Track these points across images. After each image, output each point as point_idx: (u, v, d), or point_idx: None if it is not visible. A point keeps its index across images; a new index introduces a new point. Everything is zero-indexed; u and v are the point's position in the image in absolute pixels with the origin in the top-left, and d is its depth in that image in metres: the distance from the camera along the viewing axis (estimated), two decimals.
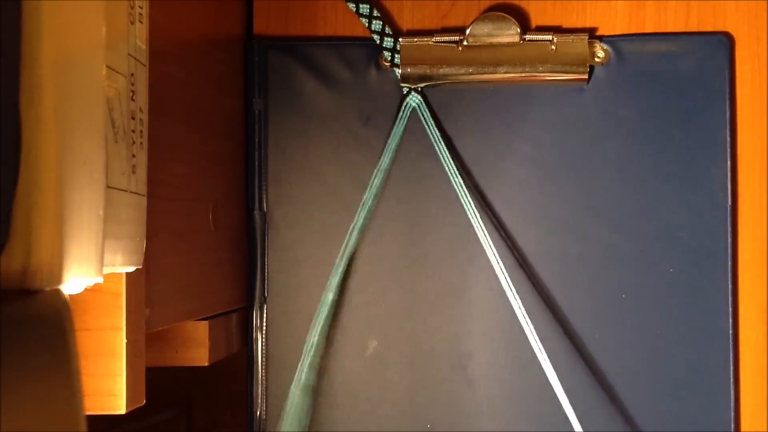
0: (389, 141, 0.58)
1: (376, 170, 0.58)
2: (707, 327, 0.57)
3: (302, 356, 0.57)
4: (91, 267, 0.32)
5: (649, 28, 0.59)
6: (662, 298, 0.57)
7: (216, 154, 0.55)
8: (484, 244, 0.58)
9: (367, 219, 0.58)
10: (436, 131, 0.58)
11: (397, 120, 0.58)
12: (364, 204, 0.58)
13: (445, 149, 0.57)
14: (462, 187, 0.57)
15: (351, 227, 0.58)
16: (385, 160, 0.58)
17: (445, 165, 0.57)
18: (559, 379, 0.58)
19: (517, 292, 0.58)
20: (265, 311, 0.59)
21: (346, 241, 0.58)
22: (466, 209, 0.57)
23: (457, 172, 0.57)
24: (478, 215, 0.57)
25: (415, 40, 0.58)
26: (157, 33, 0.40)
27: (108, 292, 0.38)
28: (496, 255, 0.58)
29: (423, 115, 0.58)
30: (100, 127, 0.33)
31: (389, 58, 0.58)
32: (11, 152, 0.28)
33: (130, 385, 0.39)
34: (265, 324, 0.59)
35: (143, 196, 0.38)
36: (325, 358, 0.59)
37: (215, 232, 0.54)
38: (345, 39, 0.60)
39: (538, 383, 0.58)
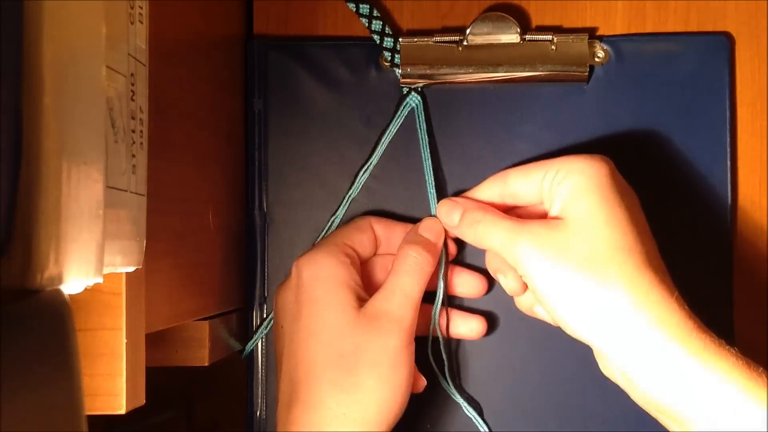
0: (383, 138, 0.58)
1: (365, 166, 0.58)
2: (707, 327, 0.57)
3: None
4: (91, 267, 0.32)
5: (649, 28, 0.59)
6: None
7: (216, 154, 0.55)
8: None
9: (348, 210, 0.58)
10: (425, 135, 0.58)
11: (394, 119, 0.58)
12: (348, 197, 0.58)
13: (429, 155, 0.58)
14: (434, 197, 0.57)
15: (331, 219, 0.58)
16: (375, 157, 0.58)
17: (425, 171, 0.58)
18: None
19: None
20: (265, 311, 0.59)
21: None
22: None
23: (432, 181, 0.57)
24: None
25: (415, 40, 0.58)
26: (157, 33, 0.40)
27: (108, 292, 0.38)
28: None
29: (418, 117, 0.58)
30: (100, 127, 0.33)
31: (389, 58, 0.58)
32: (12, 152, 0.28)
33: (130, 385, 0.39)
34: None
35: (143, 196, 0.38)
36: None
37: (215, 232, 0.54)
38: (345, 39, 0.60)
39: (537, 383, 0.58)
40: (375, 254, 0.56)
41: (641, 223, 0.49)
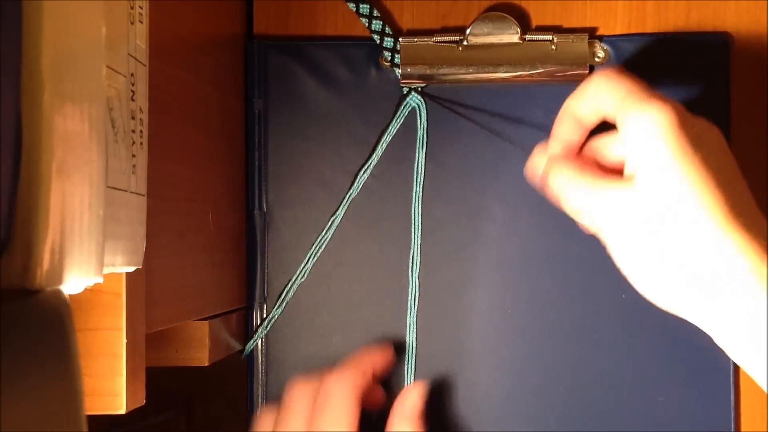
0: (383, 138, 0.58)
1: (365, 166, 0.58)
2: None
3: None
4: (91, 267, 0.32)
5: (649, 28, 0.59)
6: None
7: (216, 154, 0.55)
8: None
9: (348, 210, 0.58)
10: (425, 134, 0.58)
11: (394, 119, 0.58)
12: (348, 197, 0.58)
13: (423, 155, 0.58)
14: (418, 198, 0.57)
15: (331, 219, 0.58)
16: (375, 157, 0.58)
17: (414, 170, 0.58)
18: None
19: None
20: (264, 311, 0.59)
21: (325, 233, 0.58)
22: (412, 222, 0.57)
23: (422, 180, 0.57)
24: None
25: (415, 40, 0.58)
26: (157, 33, 0.40)
27: (108, 292, 0.38)
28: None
29: (419, 117, 0.58)
30: (100, 127, 0.33)
31: (389, 58, 0.58)
32: (12, 152, 0.28)
33: (130, 385, 0.39)
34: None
35: (143, 196, 0.38)
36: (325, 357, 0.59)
37: (215, 232, 0.54)
38: (345, 39, 0.60)
39: (537, 383, 0.58)
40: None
41: (727, 167, 0.44)
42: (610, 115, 0.46)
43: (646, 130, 0.43)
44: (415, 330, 0.58)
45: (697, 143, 0.43)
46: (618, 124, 0.45)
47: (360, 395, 0.52)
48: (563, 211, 0.50)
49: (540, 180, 0.50)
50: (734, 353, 0.43)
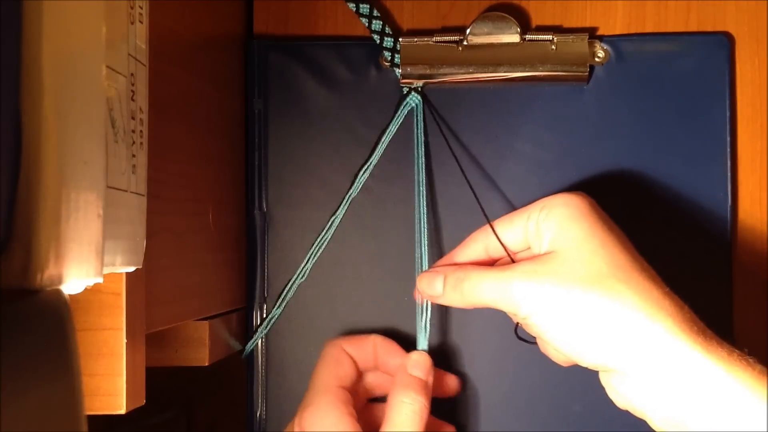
0: (383, 138, 0.58)
1: (365, 166, 0.58)
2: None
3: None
4: (91, 267, 0.32)
5: (649, 28, 0.59)
6: None
7: (216, 154, 0.55)
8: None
9: (348, 210, 0.58)
10: (422, 135, 0.58)
11: (394, 119, 0.58)
12: (348, 196, 0.58)
13: (423, 155, 0.58)
14: (422, 198, 0.57)
15: (331, 219, 0.58)
16: (375, 157, 0.58)
17: (416, 170, 0.57)
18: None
19: None
20: (264, 311, 0.59)
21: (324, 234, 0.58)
22: (418, 222, 0.57)
23: (424, 179, 0.57)
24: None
25: (415, 40, 0.58)
26: (157, 33, 0.40)
27: (108, 292, 0.38)
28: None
29: (416, 117, 0.58)
30: (100, 127, 0.33)
31: (389, 58, 0.58)
32: (12, 152, 0.28)
33: (130, 385, 0.39)
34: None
35: (143, 196, 0.38)
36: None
37: (215, 232, 0.54)
38: (345, 39, 0.60)
39: (538, 383, 0.58)
40: (359, 375, 0.55)
41: (633, 248, 0.48)
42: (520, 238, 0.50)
43: (568, 210, 0.48)
44: (428, 332, 0.56)
45: (606, 222, 0.48)
46: (533, 216, 0.49)
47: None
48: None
49: (437, 294, 0.51)
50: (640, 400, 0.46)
